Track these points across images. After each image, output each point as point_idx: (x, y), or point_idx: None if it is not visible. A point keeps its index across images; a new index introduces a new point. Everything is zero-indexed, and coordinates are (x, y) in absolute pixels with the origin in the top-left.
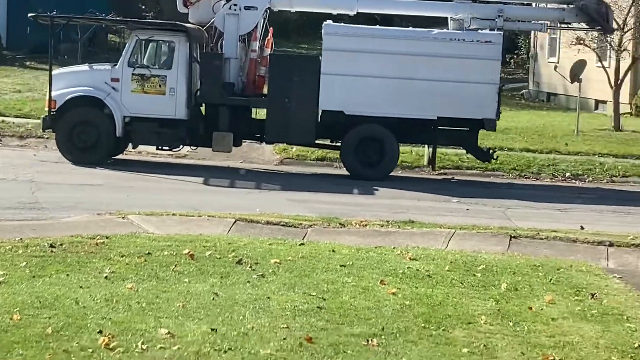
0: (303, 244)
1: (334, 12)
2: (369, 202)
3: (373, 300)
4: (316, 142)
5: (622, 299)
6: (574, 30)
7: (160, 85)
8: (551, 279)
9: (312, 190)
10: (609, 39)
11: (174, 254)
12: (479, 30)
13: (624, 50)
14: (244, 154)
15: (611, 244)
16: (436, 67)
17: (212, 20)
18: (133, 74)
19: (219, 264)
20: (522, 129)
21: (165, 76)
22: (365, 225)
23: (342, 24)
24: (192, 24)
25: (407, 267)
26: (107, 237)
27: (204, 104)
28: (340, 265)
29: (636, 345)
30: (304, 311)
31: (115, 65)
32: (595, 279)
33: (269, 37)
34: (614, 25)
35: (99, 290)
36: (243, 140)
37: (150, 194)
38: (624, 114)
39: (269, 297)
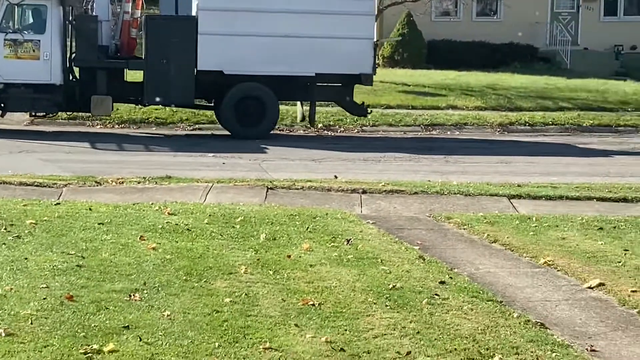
0: (59, 203)
1: None
2: (124, 159)
3: (133, 256)
4: (195, 102)
5: (376, 243)
6: None
7: (34, 50)
8: (308, 228)
9: (66, 149)
10: None
11: None
12: None
13: None
14: None
15: (364, 191)
16: (312, 24)
17: None
18: (5, 40)
19: None
20: None
21: (39, 40)
22: (122, 182)
23: None
24: None
25: (166, 222)
26: None
27: (78, 68)
28: (99, 223)
29: (391, 286)
30: (64, 270)
31: None
32: (351, 225)
33: None
34: None
35: None
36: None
37: None
38: None
39: (26, 258)
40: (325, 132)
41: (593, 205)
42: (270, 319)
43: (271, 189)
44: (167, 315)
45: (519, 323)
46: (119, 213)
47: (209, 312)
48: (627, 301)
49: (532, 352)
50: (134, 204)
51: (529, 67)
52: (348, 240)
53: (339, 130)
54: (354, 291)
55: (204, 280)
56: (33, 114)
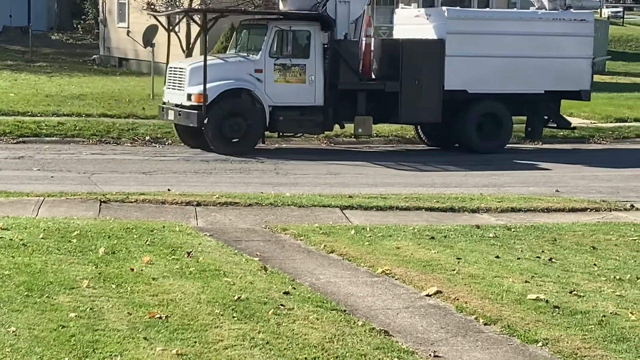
0: None
1: None
2: None
3: None
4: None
5: (216, 256)
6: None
7: (300, 74)
8: (147, 241)
9: None
10: (178, 3)
11: None
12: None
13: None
14: None
15: (199, 204)
16: (542, 45)
17: (325, 8)
18: (275, 65)
19: None
20: (97, 94)
21: (305, 65)
22: None
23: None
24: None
25: (0, 237)
26: None
27: (337, 90)
28: None
29: (236, 297)
30: None
31: (253, 56)
32: (189, 238)
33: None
34: None
35: None
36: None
37: None
38: None
39: None
40: (154, 145)
41: (422, 215)
42: (118, 332)
43: (104, 202)
44: (13, 332)
45: (364, 331)
46: None
47: (54, 327)
48: (464, 308)
49: (379, 359)
50: None
51: None
52: (189, 253)
53: (166, 143)
54: (199, 303)
55: (46, 295)
56: None
